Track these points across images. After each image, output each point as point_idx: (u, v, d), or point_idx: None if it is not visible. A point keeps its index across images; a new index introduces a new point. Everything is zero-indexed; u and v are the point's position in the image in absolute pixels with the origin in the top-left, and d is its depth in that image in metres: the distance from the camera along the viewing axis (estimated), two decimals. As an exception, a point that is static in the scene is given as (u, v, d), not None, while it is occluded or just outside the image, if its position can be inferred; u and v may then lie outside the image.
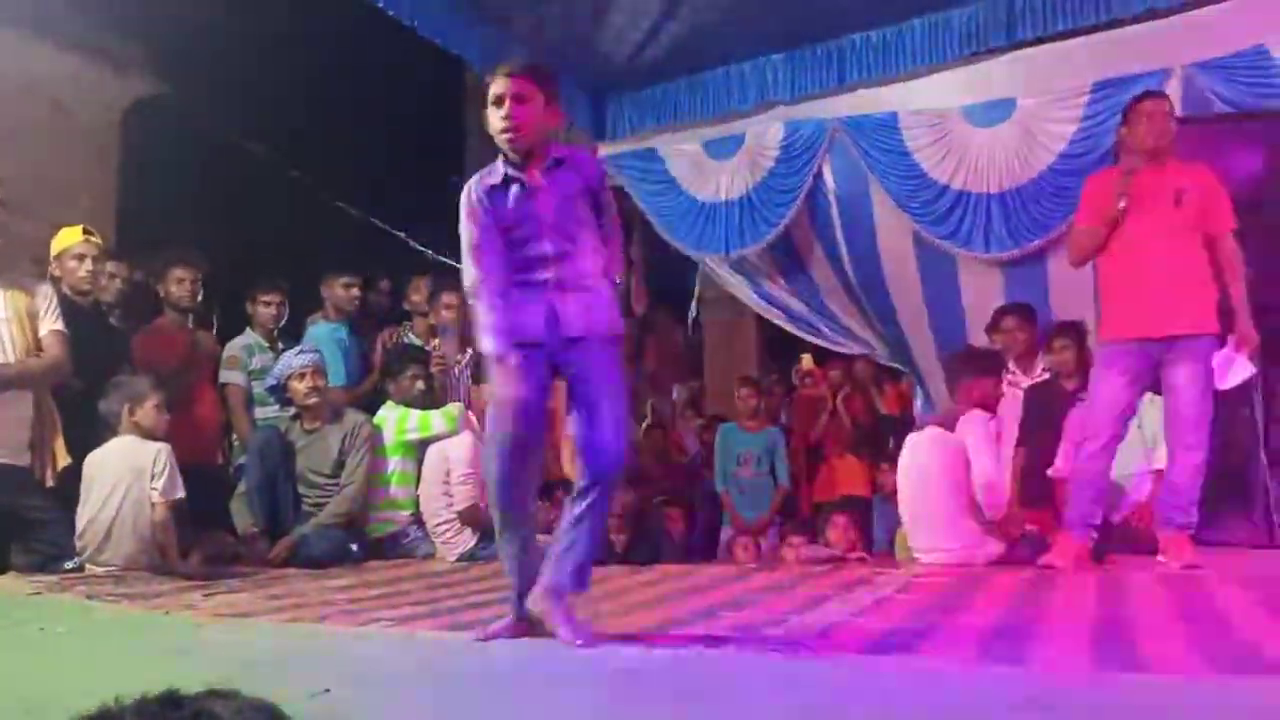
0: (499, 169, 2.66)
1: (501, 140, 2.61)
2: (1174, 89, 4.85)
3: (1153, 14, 5.15)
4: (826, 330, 6.72)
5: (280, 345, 5.12)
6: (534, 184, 2.62)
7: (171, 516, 4.00)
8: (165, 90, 6.35)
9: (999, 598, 3.33)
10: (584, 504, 2.59)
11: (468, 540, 4.71)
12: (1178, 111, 4.26)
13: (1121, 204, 3.90)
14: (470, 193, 2.66)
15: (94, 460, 4.02)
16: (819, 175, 6.02)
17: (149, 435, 4.07)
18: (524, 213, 2.62)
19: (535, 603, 2.56)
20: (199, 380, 4.94)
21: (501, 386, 2.56)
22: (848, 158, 5.93)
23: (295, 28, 6.16)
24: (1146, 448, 4.49)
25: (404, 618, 2.98)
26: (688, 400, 8.24)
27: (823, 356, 7.13)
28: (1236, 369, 3.87)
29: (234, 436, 5.21)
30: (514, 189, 2.63)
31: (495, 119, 2.60)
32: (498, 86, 2.60)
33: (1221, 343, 3.92)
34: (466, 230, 2.66)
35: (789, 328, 6.88)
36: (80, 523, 3.95)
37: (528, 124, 2.59)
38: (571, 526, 2.60)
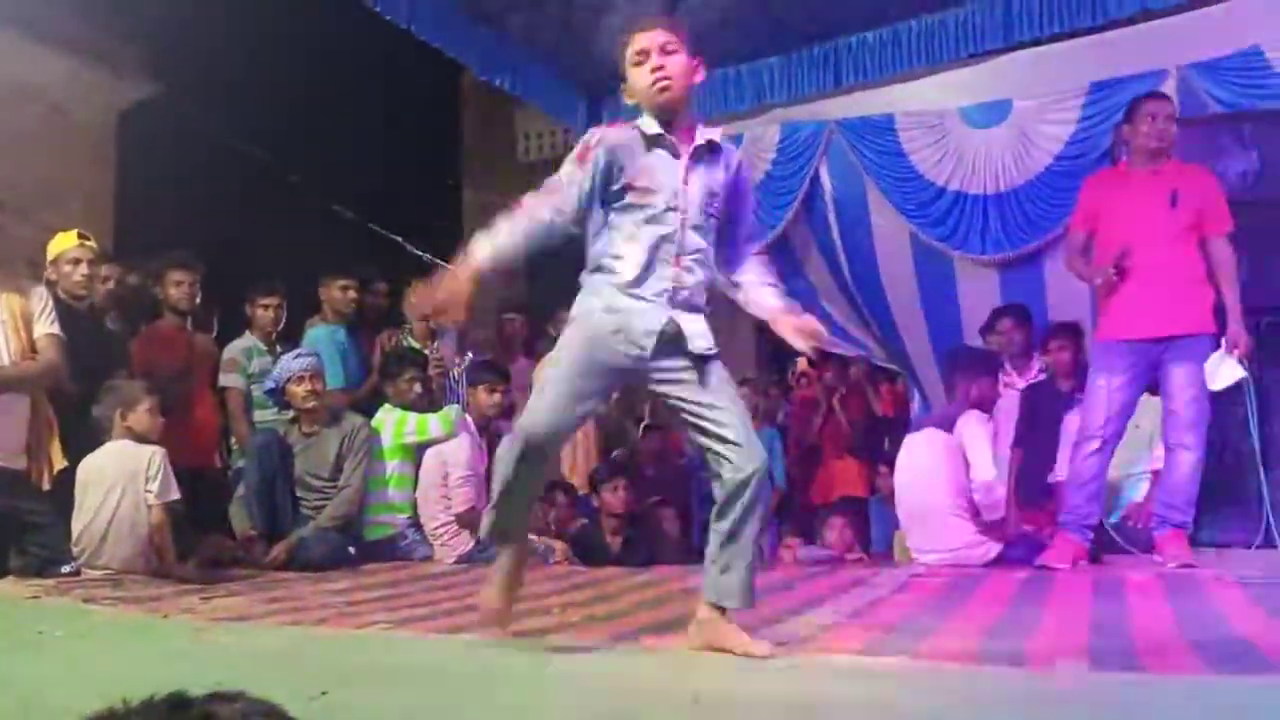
0: (646, 124, 2.41)
1: (653, 95, 2.39)
2: (1170, 90, 4.86)
3: (1148, 15, 5.16)
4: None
5: (279, 348, 5.12)
6: (684, 154, 2.41)
7: (168, 519, 4.00)
8: (162, 93, 6.35)
9: (996, 598, 3.34)
10: (729, 519, 2.33)
11: (466, 543, 4.72)
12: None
13: (1108, 278, 3.98)
14: (602, 137, 2.42)
15: (88, 465, 4.02)
16: (816, 177, 6.03)
17: (142, 439, 4.07)
18: (663, 181, 2.39)
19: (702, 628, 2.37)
20: (198, 384, 4.94)
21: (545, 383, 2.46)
22: (844, 159, 5.94)
23: (292, 31, 6.16)
24: (1144, 448, 4.50)
25: (402, 620, 2.98)
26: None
27: (819, 358, 7.13)
28: (1227, 371, 3.89)
29: (233, 440, 5.20)
30: (659, 150, 2.41)
31: (642, 75, 2.40)
32: (642, 41, 2.42)
33: (1217, 344, 3.93)
34: (568, 167, 2.42)
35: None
36: (76, 527, 3.95)
37: (679, 75, 2.40)
38: (723, 545, 2.35)
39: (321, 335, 5.29)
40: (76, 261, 4.43)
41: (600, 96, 6.64)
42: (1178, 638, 2.51)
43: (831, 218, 6.10)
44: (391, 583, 3.98)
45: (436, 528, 4.75)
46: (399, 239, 6.39)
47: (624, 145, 2.40)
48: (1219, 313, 3.99)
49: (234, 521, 4.65)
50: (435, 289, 2.45)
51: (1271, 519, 4.17)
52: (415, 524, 4.85)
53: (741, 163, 2.57)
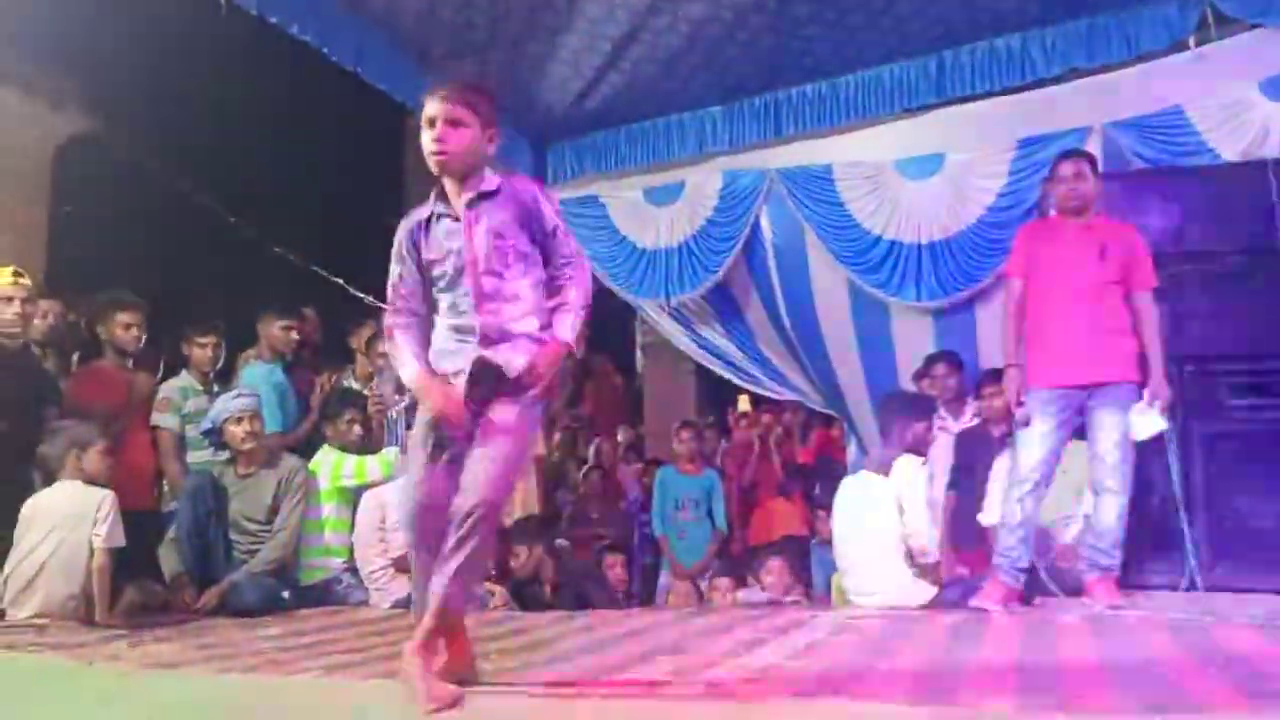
0: (430, 203, 2.58)
1: (430, 165, 2.52)
2: (1094, 146, 5.06)
3: (1074, 74, 5.38)
4: (762, 376, 6.80)
5: (215, 388, 5.04)
6: (459, 217, 2.53)
7: (109, 565, 3.93)
8: (100, 128, 6.27)
9: (930, 640, 3.38)
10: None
11: (402, 588, 4.64)
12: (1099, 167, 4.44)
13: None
14: (400, 230, 2.59)
15: (35, 503, 3.95)
16: (756, 224, 6.14)
17: (93, 481, 4.01)
18: (449, 249, 2.53)
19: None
20: (133, 423, 4.84)
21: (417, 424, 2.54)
22: (784, 207, 6.06)
23: (235, 69, 6.15)
24: (1072, 493, 4.60)
25: (335, 666, 2.93)
26: (629, 444, 8.26)
27: (758, 400, 7.21)
28: (1150, 423, 4.01)
29: (165, 481, 5.09)
30: (443, 223, 2.55)
31: (425, 142, 2.52)
32: (431, 108, 2.51)
33: (1140, 391, 4.06)
34: (392, 269, 2.61)
35: (725, 374, 6.95)
36: (7, 566, 3.85)
37: (459, 149, 2.50)
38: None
39: (259, 374, 5.22)
40: (9, 299, 4.34)
41: (544, 143, 6.72)
42: (1106, 679, 2.56)
43: (771, 264, 6.20)
44: (325, 628, 3.92)
45: (373, 572, 4.68)
46: (339, 280, 6.36)
47: (413, 229, 2.58)
48: (1143, 361, 4.12)
49: (164, 564, 4.55)
50: (443, 410, 2.52)
51: (1195, 563, 4.29)
52: (351, 568, 4.78)
53: (537, 194, 2.62)
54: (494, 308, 2.51)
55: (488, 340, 2.50)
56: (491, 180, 2.57)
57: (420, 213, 2.59)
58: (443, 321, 2.59)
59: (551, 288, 2.62)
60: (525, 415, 2.52)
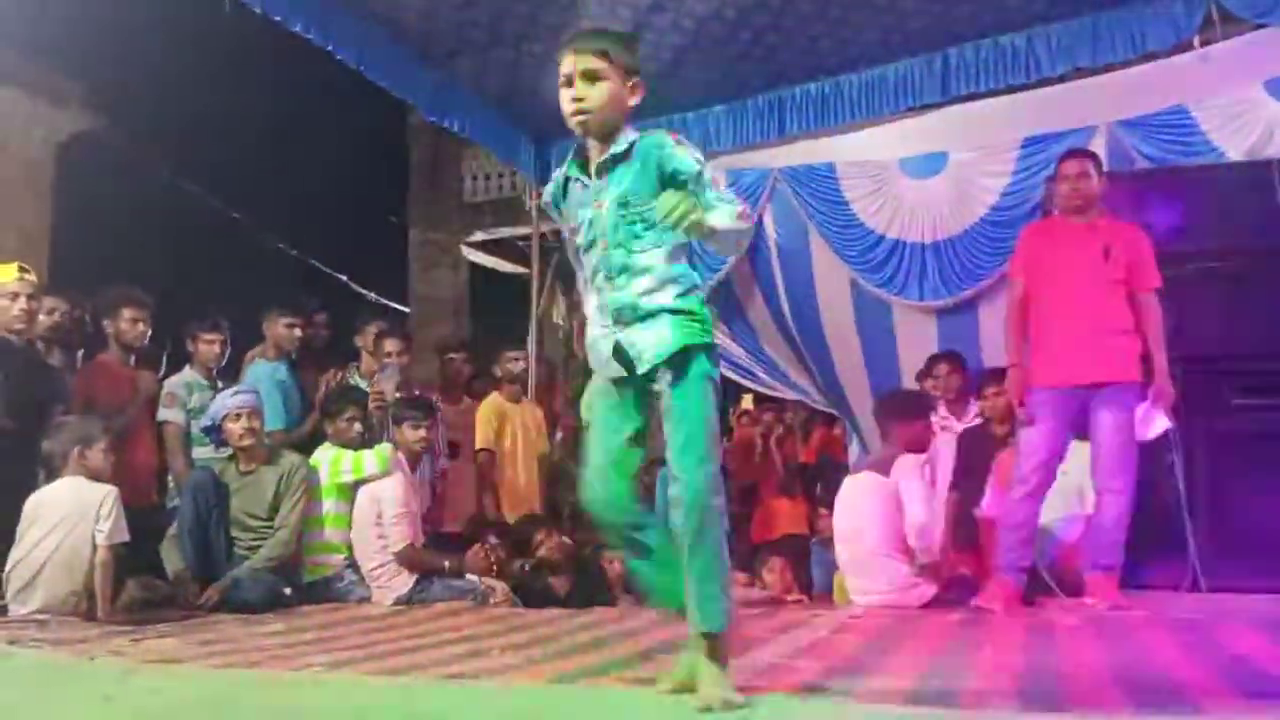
0: (564, 165, 2.41)
1: (571, 124, 2.32)
2: (1099, 145, 5.05)
3: (1079, 73, 5.38)
4: (764, 375, 6.81)
5: (220, 384, 5.05)
6: (586, 184, 2.35)
7: (112, 561, 3.94)
8: (103, 125, 6.29)
9: (931, 639, 3.38)
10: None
11: (405, 583, 4.65)
12: (1103, 166, 4.44)
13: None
14: (545, 192, 2.45)
15: (39, 499, 3.95)
16: (760, 223, 6.13)
17: (96, 477, 4.02)
18: (583, 219, 2.35)
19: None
20: (139, 420, 4.85)
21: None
22: (788, 206, 6.06)
23: (237, 67, 6.16)
24: (1074, 493, 4.60)
25: (338, 663, 2.93)
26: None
27: (760, 399, 7.21)
28: (1154, 423, 4.02)
29: (169, 477, 5.10)
30: (575, 189, 2.39)
31: (564, 102, 2.32)
32: (565, 64, 2.32)
33: (1143, 392, 4.06)
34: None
35: (727, 373, 6.95)
36: (10, 561, 3.86)
37: (599, 105, 2.29)
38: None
39: (263, 372, 5.23)
40: (15, 295, 4.36)
41: (548, 139, 6.71)
42: (1107, 679, 2.56)
43: (775, 263, 6.21)
44: (327, 625, 3.92)
45: (374, 569, 4.68)
46: (343, 277, 6.37)
47: (555, 192, 2.45)
48: (1146, 361, 4.12)
49: (166, 561, 4.55)
50: None
51: (1197, 563, 4.28)
52: (352, 564, 4.78)
53: (665, 144, 2.30)
54: (624, 282, 2.31)
55: (620, 320, 2.32)
56: (625, 139, 2.34)
57: (559, 174, 2.44)
58: (589, 296, 2.41)
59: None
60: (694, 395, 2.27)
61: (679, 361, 2.25)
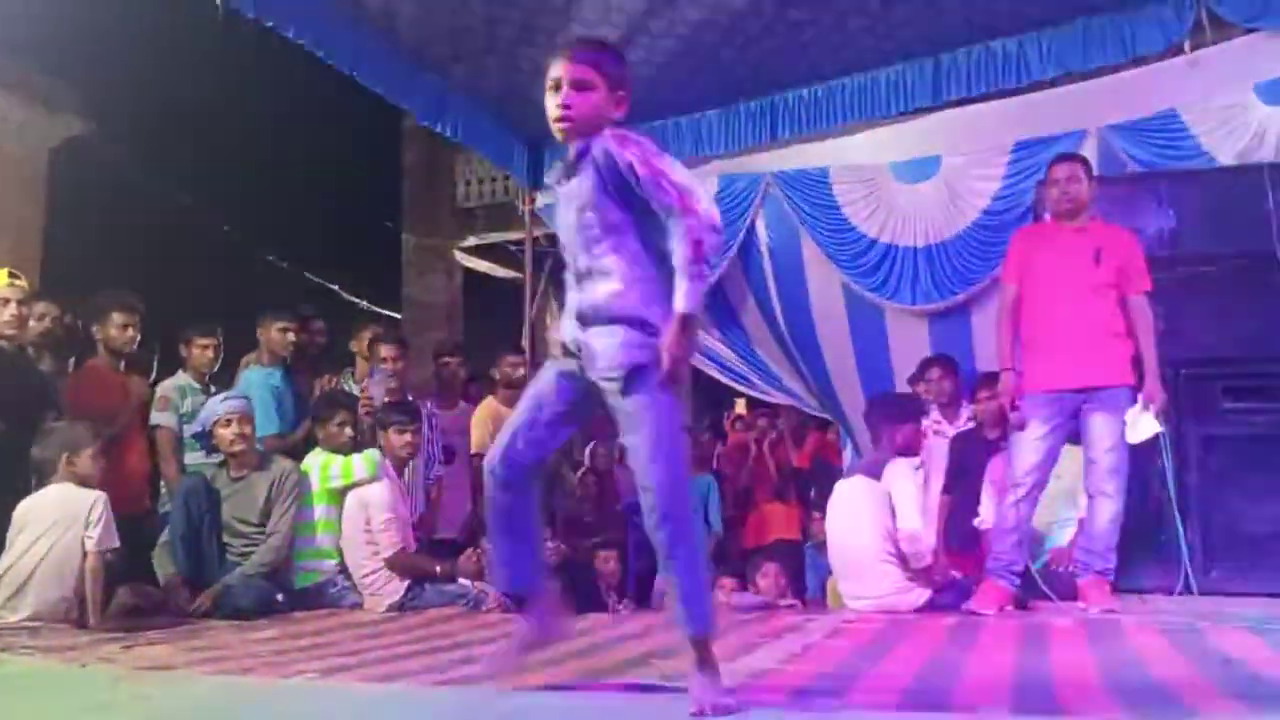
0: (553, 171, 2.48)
1: (554, 131, 2.38)
2: (1090, 149, 5.06)
3: (1069, 77, 5.39)
4: (757, 380, 6.81)
5: (213, 388, 5.05)
6: (563, 187, 2.40)
7: (102, 567, 3.92)
8: (95, 131, 6.28)
9: (924, 643, 3.38)
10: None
11: (397, 589, 4.64)
12: (1094, 171, 4.45)
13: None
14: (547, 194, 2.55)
15: (27, 506, 3.94)
16: (752, 227, 6.15)
17: (85, 483, 4.01)
18: (558, 222, 2.44)
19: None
20: (130, 427, 4.84)
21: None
22: (780, 211, 6.07)
23: (229, 73, 6.16)
24: (1066, 497, 4.61)
25: (330, 670, 2.93)
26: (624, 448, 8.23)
27: (753, 404, 7.22)
28: (1145, 426, 4.02)
29: (161, 482, 5.09)
30: (557, 192, 2.44)
31: (549, 107, 2.37)
32: (555, 70, 2.37)
33: (1135, 395, 4.07)
34: None
35: (720, 377, 6.95)
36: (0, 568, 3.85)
37: (583, 114, 2.34)
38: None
39: (256, 378, 5.22)
40: (6, 301, 4.35)
41: (541, 145, 6.71)
42: (1099, 683, 2.57)
43: (767, 267, 6.21)
44: (320, 631, 3.91)
45: (365, 575, 4.66)
46: (334, 286, 6.37)
47: (549, 200, 2.49)
48: (1137, 365, 4.13)
49: (158, 567, 4.54)
50: None
51: (1189, 567, 4.29)
52: (344, 570, 4.77)
53: (608, 149, 2.29)
54: (589, 286, 2.35)
55: (584, 321, 2.36)
56: (582, 144, 2.36)
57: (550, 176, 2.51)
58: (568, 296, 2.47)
59: (664, 238, 2.29)
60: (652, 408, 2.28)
61: (629, 375, 2.29)
